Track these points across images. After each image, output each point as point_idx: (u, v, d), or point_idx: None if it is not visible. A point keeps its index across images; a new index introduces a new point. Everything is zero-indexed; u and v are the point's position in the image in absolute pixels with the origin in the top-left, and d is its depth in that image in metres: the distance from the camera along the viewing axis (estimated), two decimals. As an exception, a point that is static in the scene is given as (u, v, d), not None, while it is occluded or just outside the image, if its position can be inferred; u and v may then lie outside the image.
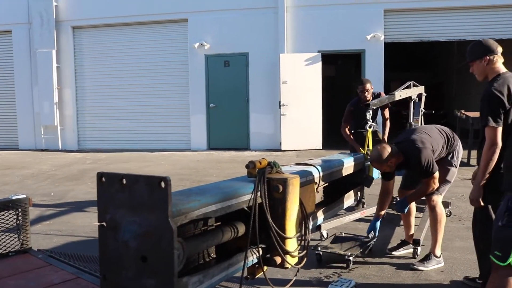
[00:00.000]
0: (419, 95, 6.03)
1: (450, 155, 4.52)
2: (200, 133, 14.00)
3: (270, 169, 2.89)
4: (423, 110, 6.09)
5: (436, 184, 4.30)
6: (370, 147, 5.08)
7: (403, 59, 18.19)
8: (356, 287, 3.11)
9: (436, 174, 4.25)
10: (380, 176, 4.65)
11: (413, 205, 4.80)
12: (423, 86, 6.08)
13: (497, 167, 3.29)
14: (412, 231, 4.91)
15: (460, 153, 4.62)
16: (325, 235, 5.10)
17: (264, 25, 13.40)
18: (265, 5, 13.34)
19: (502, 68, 3.61)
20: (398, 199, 4.70)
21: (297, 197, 2.90)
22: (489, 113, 3.43)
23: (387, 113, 6.68)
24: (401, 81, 6.74)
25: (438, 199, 4.49)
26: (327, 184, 3.99)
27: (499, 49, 3.63)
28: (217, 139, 13.96)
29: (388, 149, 4.22)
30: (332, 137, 13.17)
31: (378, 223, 4.53)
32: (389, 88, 13.41)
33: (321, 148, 12.90)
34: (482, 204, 3.52)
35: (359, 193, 5.08)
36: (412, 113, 6.01)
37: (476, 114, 8.40)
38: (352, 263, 4.43)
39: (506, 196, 2.89)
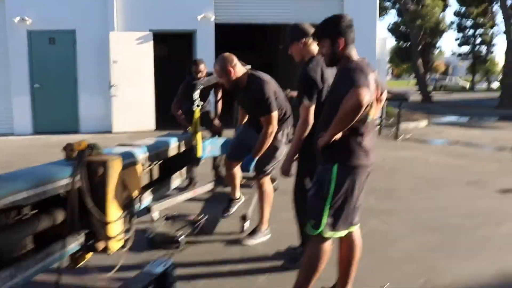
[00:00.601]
0: None
1: (280, 132, 4.52)
2: (24, 116, 12.99)
3: (90, 151, 2.77)
4: None
5: (275, 126, 4.33)
6: (198, 127, 5.10)
7: (234, 40, 18.64)
8: (173, 267, 3.12)
9: (275, 114, 4.31)
10: (210, 155, 4.68)
11: (237, 169, 4.90)
12: (250, 65, 6.24)
13: (310, 141, 3.47)
14: (238, 191, 5.05)
15: (289, 130, 4.65)
16: (155, 217, 5.05)
17: (92, 1, 12.78)
18: (92, -20, 12.75)
19: (316, 51, 3.82)
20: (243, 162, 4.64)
21: (119, 179, 2.82)
22: (304, 92, 3.64)
23: (219, 93, 6.77)
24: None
25: (266, 178, 4.65)
26: (154, 165, 3.95)
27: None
28: (43, 122, 13.09)
29: (234, 59, 4.36)
30: (166, 117, 13.05)
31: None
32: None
33: (154, 128, 12.76)
34: (290, 175, 3.75)
35: (189, 172, 5.11)
36: None
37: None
38: (183, 242, 4.47)
39: (317, 169, 3.10)
